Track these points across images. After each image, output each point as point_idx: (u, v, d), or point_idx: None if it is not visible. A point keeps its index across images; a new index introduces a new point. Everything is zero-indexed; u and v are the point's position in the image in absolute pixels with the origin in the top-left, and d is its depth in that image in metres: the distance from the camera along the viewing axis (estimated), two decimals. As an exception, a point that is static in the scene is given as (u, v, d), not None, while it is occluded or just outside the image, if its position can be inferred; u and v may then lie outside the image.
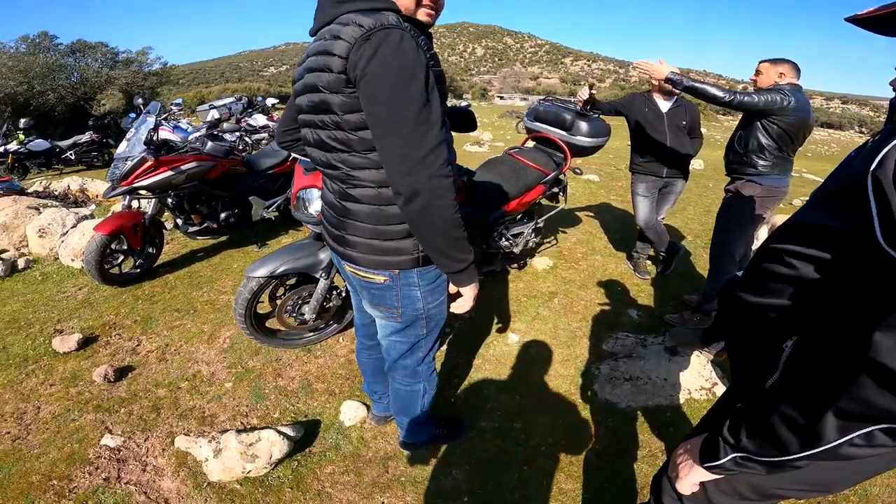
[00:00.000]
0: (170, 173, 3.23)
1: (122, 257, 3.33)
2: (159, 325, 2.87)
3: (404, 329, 1.46)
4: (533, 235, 3.33)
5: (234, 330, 2.76)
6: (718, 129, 25.10)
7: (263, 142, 7.68)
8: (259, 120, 8.26)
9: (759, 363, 0.80)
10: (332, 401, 2.24)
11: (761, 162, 2.48)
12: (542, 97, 3.63)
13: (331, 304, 2.54)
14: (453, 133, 1.60)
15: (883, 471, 0.85)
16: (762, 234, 4.05)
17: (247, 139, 7.57)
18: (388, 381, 1.72)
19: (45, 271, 3.60)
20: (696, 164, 8.50)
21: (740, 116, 2.62)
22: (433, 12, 1.14)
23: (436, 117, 1.03)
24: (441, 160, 1.04)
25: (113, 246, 3.19)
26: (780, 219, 4.20)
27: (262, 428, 1.92)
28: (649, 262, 3.84)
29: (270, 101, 9.15)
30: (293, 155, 1.74)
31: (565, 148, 3.10)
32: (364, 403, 2.16)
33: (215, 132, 3.79)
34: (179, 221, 3.63)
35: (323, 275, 2.36)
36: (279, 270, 2.25)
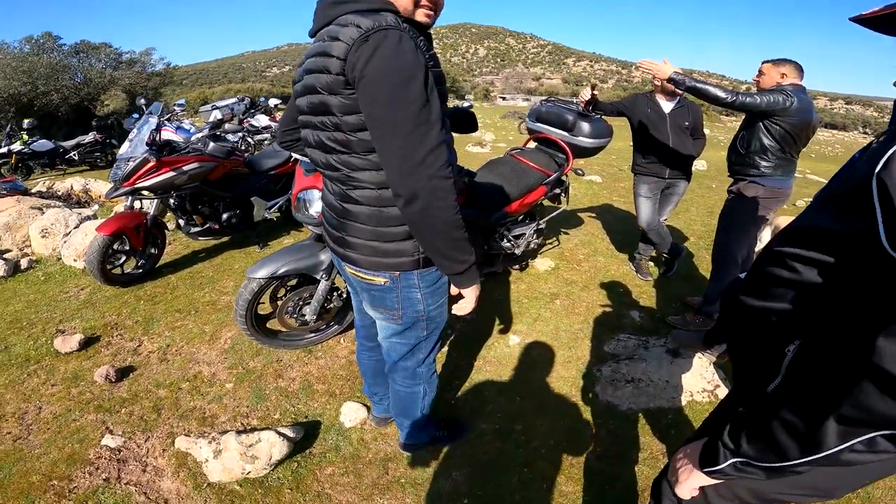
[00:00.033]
0: (172, 174, 3.24)
1: (124, 258, 3.33)
2: (161, 325, 2.88)
3: (404, 331, 1.46)
4: (534, 237, 3.32)
5: (235, 331, 2.76)
6: (722, 130, 25.04)
7: (266, 142, 7.70)
8: (261, 120, 8.28)
9: (761, 367, 0.80)
10: (333, 402, 2.24)
11: (764, 163, 2.47)
12: (544, 98, 3.62)
13: (332, 305, 2.54)
14: (454, 134, 1.60)
15: (885, 475, 0.84)
16: (765, 235, 4.03)
17: (249, 140, 7.60)
18: (389, 382, 1.71)
19: (47, 271, 3.61)
20: (699, 165, 8.48)
21: (743, 117, 2.60)
22: (432, 13, 1.13)
23: (435, 118, 1.02)
24: (441, 161, 1.04)
25: (115, 246, 3.20)
26: (783, 220, 4.18)
27: (262, 429, 1.92)
28: (651, 264, 3.82)
29: (273, 102, 9.18)
30: (294, 156, 1.74)
31: (567, 149, 3.09)
32: (364, 405, 2.16)
33: (218, 133, 3.79)
34: (181, 222, 3.64)
35: (324, 276, 2.36)
36: (280, 271, 2.25)
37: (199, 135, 3.76)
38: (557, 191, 3.22)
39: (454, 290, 1.33)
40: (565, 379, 2.45)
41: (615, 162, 8.65)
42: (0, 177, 6.60)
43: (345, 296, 2.57)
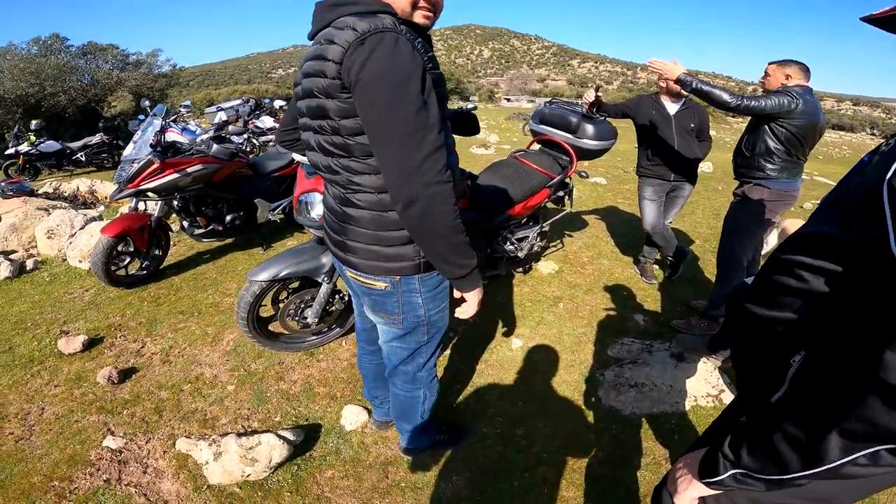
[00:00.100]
0: (176, 176, 3.25)
1: (128, 259, 3.35)
2: (164, 326, 2.88)
3: (405, 335, 1.45)
4: (538, 239, 3.31)
5: (237, 332, 2.76)
6: (728, 132, 24.90)
7: (270, 144, 7.72)
8: (266, 122, 8.30)
9: (766, 377, 0.78)
10: (334, 405, 2.23)
11: (769, 165, 2.44)
12: (548, 100, 3.61)
13: (333, 307, 2.53)
14: (456, 136, 1.59)
15: (888, 486, 0.82)
16: (772, 238, 4.00)
17: (254, 141, 7.62)
18: (389, 386, 1.70)
19: (53, 272, 3.63)
20: (704, 167, 8.42)
21: (749, 119, 2.58)
22: (430, 14, 1.12)
23: (433, 122, 1.01)
24: (439, 166, 1.03)
25: (119, 248, 3.22)
26: (790, 223, 4.14)
27: (263, 432, 1.92)
28: (656, 267, 3.80)
29: (278, 104, 9.20)
30: (296, 157, 1.75)
31: (571, 151, 3.08)
32: (365, 408, 2.15)
33: (222, 134, 3.81)
34: (185, 224, 3.65)
35: (325, 279, 2.35)
36: (282, 274, 2.24)
37: (205, 136, 3.77)
38: (561, 193, 3.21)
39: (457, 294, 1.32)
40: (568, 383, 2.43)
41: (620, 164, 8.62)
42: (7, 178, 6.66)
43: (346, 299, 2.56)
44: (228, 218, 3.75)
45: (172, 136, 3.64)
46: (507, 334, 2.84)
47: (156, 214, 3.36)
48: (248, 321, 2.34)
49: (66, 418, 2.14)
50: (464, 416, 2.19)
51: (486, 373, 2.49)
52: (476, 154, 9.60)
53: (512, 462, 1.95)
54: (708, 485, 0.79)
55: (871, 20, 0.70)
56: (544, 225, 3.31)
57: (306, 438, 2.01)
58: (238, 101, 9.57)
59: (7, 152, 8.23)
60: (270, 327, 2.54)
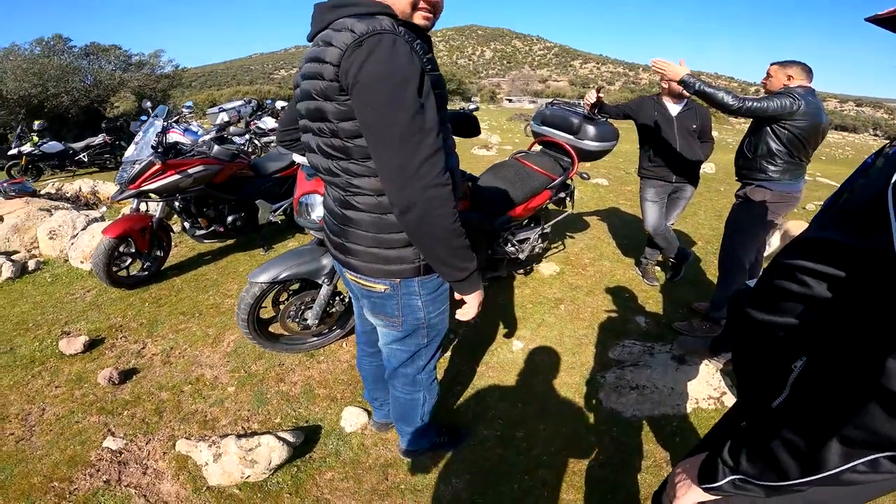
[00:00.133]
0: (177, 177, 3.25)
1: (129, 260, 3.36)
2: (165, 327, 2.88)
3: (405, 338, 1.45)
4: (539, 241, 3.30)
5: (238, 334, 2.76)
6: (730, 132, 24.85)
7: (272, 145, 7.73)
8: (268, 123, 8.31)
9: (767, 382, 0.78)
10: (334, 406, 2.23)
11: (771, 167, 2.43)
12: (549, 101, 3.60)
13: (334, 309, 2.53)
14: (456, 138, 1.59)
15: (888, 492, 0.82)
16: (774, 240, 3.98)
17: (256, 142, 7.63)
18: (389, 388, 1.70)
19: (54, 273, 3.64)
20: (707, 168, 8.41)
21: (751, 120, 2.57)
22: (430, 15, 1.12)
23: (430, 125, 1.00)
24: (437, 170, 1.02)
25: (121, 249, 3.22)
26: (792, 224, 4.12)
27: (262, 433, 1.91)
28: (658, 269, 3.78)
29: (280, 104, 9.20)
30: (296, 159, 1.75)
31: (572, 152, 3.07)
32: (365, 410, 2.15)
33: (224, 135, 3.81)
34: (187, 225, 3.65)
35: (326, 280, 2.35)
36: (282, 276, 2.24)
37: (207, 137, 3.77)
38: (563, 195, 3.20)
39: (457, 296, 1.32)
40: (569, 385, 2.42)
41: (622, 165, 8.60)
42: (10, 178, 6.69)
43: (347, 300, 2.56)
44: (230, 219, 3.75)
45: (175, 136, 3.65)
46: (508, 336, 2.83)
47: (157, 215, 3.36)
48: (249, 322, 2.34)
49: (67, 419, 2.14)
50: (464, 418, 2.18)
51: (487, 374, 2.49)
52: (478, 155, 9.60)
53: (512, 464, 1.94)
54: (707, 490, 0.79)
55: (876, 20, 0.70)
56: (545, 226, 3.31)
57: (306, 440, 2.01)
58: (240, 102, 9.59)
59: (10, 153, 8.25)
60: (271, 329, 2.54)
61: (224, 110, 8.45)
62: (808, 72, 2.39)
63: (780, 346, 0.76)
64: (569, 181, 3.15)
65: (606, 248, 4.27)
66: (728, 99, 2.29)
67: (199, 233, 3.67)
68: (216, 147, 3.57)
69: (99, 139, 9.27)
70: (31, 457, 1.94)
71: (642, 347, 2.70)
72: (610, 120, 3.20)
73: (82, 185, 5.83)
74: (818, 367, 0.68)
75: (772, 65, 2.48)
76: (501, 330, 2.88)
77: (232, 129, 4.05)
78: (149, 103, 3.65)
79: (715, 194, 6.66)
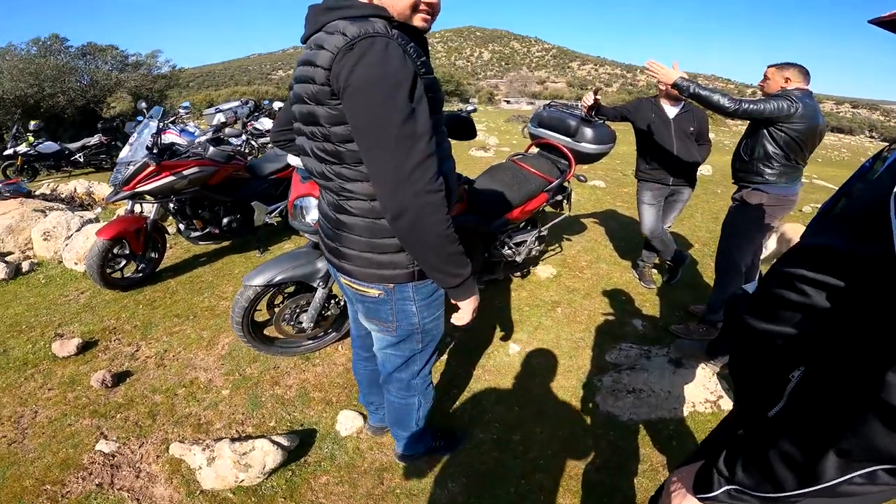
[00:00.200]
0: (172, 178, 3.24)
1: (124, 262, 3.33)
2: (159, 330, 2.87)
3: (399, 343, 1.44)
4: (536, 244, 3.30)
5: (233, 336, 2.75)
6: (727, 134, 24.90)
7: (269, 146, 7.70)
8: (265, 124, 8.28)
9: (764, 392, 0.77)
10: (329, 410, 2.22)
11: (768, 170, 2.43)
12: (546, 103, 3.60)
13: (329, 312, 2.52)
14: (452, 141, 1.58)
15: (885, 501, 0.81)
16: (770, 243, 3.98)
17: (253, 143, 7.60)
18: (384, 392, 1.69)
19: (48, 274, 3.61)
20: (704, 170, 8.42)
21: (748, 122, 2.57)
22: (429, 17, 1.10)
23: (423, 130, 0.99)
24: (429, 175, 1.01)
25: (115, 250, 3.20)
26: (789, 227, 4.13)
27: (257, 437, 1.90)
28: (655, 271, 3.78)
29: (277, 105, 9.17)
30: (291, 161, 1.73)
31: (569, 154, 3.07)
32: (361, 413, 2.14)
33: (220, 136, 3.79)
34: (182, 226, 3.64)
35: (321, 283, 2.34)
36: (277, 279, 2.23)
37: (202, 138, 3.76)
38: (560, 197, 3.20)
39: (452, 301, 1.31)
40: (565, 388, 2.42)
41: (619, 167, 8.61)
42: (5, 178, 6.65)
43: (342, 303, 2.55)
44: (225, 221, 3.74)
45: (171, 137, 3.63)
46: (505, 339, 2.82)
47: (152, 217, 3.34)
48: (244, 325, 2.32)
49: (60, 422, 2.12)
50: (460, 422, 2.17)
51: (483, 378, 2.48)
52: (475, 156, 9.60)
53: (508, 468, 1.93)
54: (702, 500, 0.78)
55: (879, 23, 0.69)
56: (542, 229, 3.30)
57: (301, 444, 2.00)
58: (237, 103, 9.55)
59: (5, 153, 8.21)
60: (266, 332, 2.52)
61: (220, 111, 8.43)
62: (806, 74, 2.39)
63: (778, 355, 0.75)
64: (566, 183, 3.15)
65: (603, 250, 4.27)
66: (724, 101, 2.29)
67: (194, 234, 3.66)
68: (212, 148, 3.56)
69: (95, 139, 9.23)
70: (24, 459, 1.92)
71: (639, 351, 2.69)
72: (607, 122, 3.20)
73: (77, 185, 5.80)
74: (816, 378, 0.67)
75: (769, 67, 2.48)
76: (498, 333, 2.88)
77: (228, 130, 4.03)
78: (144, 104, 3.63)
79: (712, 196, 6.67)
